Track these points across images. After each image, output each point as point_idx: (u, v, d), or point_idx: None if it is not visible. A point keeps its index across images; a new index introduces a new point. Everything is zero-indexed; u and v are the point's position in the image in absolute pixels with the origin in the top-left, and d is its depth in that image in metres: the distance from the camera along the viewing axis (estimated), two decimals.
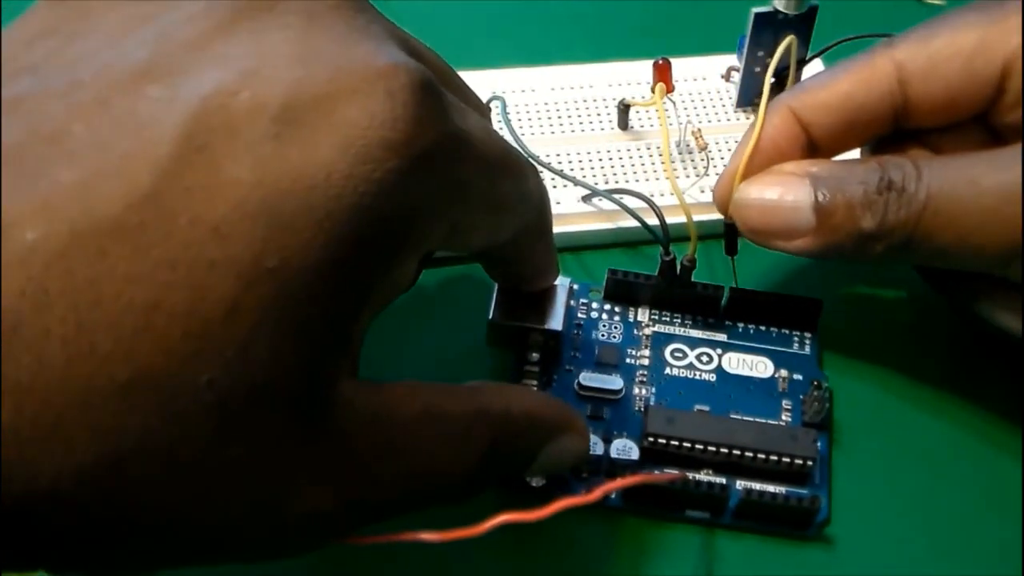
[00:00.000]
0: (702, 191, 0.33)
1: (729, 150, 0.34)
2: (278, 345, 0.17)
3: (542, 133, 0.35)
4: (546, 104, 0.36)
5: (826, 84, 0.27)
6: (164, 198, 0.16)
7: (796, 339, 0.30)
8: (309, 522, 0.19)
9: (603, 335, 0.30)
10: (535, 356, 0.29)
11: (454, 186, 0.20)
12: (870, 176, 0.25)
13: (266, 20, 0.18)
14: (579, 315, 0.31)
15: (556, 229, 0.32)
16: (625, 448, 0.28)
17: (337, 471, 0.19)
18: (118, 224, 0.16)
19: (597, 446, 0.28)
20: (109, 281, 0.16)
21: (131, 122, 0.17)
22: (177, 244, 0.16)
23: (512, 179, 0.22)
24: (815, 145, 0.27)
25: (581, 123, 0.35)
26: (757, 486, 0.27)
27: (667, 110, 0.34)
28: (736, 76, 0.35)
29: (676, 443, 0.27)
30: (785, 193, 0.26)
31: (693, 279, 0.30)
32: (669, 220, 0.29)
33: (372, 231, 0.18)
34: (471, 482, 0.22)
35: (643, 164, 0.34)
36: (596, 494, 0.25)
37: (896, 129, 0.27)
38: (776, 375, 0.29)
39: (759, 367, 0.29)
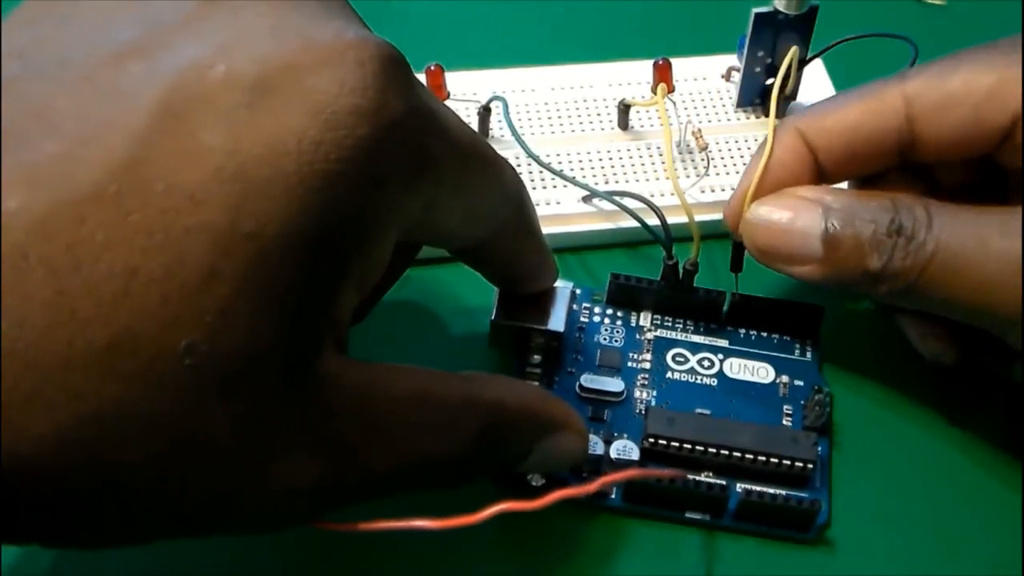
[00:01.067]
0: (702, 191, 0.33)
1: (729, 150, 0.35)
2: (257, 311, 0.17)
3: (542, 133, 0.35)
4: (546, 104, 0.36)
5: (835, 110, 0.27)
6: (141, 166, 0.16)
7: (797, 345, 0.30)
8: (292, 494, 0.19)
9: (605, 339, 0.30)
10: (537, 358, 0.29)
11: (424, 158, 0.20)
12: (881, 216, 0.25)
13: (243, 1, 0.19)
14: (581, 319, 0.31)
15: (556, 229, 0.32)
16: (625, 449, 0.28)
17: (321, 444, 0.19)
18: (97, 191, 0.16)
19: (597, 446, 0.28)
20: (88, 247, 0.16)
21: (112, 95, 0.17)
22: (154, 210, 0.16)
23: (484, 166, 0.23)
24: (822, 170, 0.28)
25: (581, 123, 0.35)
26: (757, 488, 0.27)
27: (667, 110, 0.34)
28: (736, 76, 0.35)
29: (676, 444, 0.27)
30: (796, 218, 0.26)
31: (695, 284, 0.30)
32: (670, 220, 0.29)
33: (344, 197, 0.18)
34: (461, 468, 0.22)
35: (643, 164, 0.34)
36: (594, 486, 0.25)
37: (902, 160, 0.27)
38: (777, 380, 0.30)
39: (760, 372, 0.30)
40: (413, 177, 0.20)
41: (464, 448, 0.22)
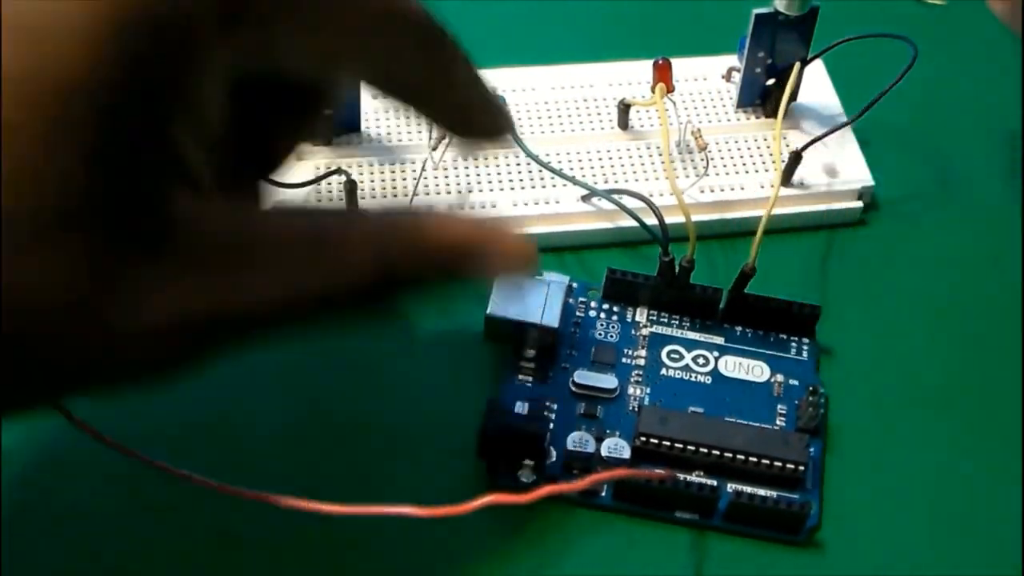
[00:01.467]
0: (701, 191, 0.33)
1: (729, 151, 0.34)
2: (68, 164, 0.17)
3: (542, 133, 0.35)
4: (546, 104, 0.36)
5: None
6: None
7: (793, 344, 0.30)
8: (158, 333, 0.19)
9: (600, 334, 0.30)
10: (531, 352, 0.29)
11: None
12: None
13: None
14: (577, 313, 0.31)
15: (555, 228, 0.32)
16: (617, 447, 0.28)
17: (184, 284, 0.19)
18: None
19: (588, 444, 0.28)
20: None
21: None
22: None
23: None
24: None
25: (581, 123, 0.35)
26: (748, 489, 0.27)
27: (667, 110, 0.34)
28: (737, 76, 0.35)
29: (668, 443, 0.27)
30: None
31: (692, 281, 0.30)
32: (668, 220, 0.29)
33: (135, 39, 0.17)
34: (361, 296, 0.21)
35: (643, 164, 0.34)
36: (583, 483, 0.26)
37: None
38: (772, 379, 0.29)
39: (755, 371, 0.29)
40: (218, 25, 0.19)
41: (357, 279, 0.21)
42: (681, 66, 0.35)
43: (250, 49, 0.20)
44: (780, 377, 0.29)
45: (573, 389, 0.29)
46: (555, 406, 0.29)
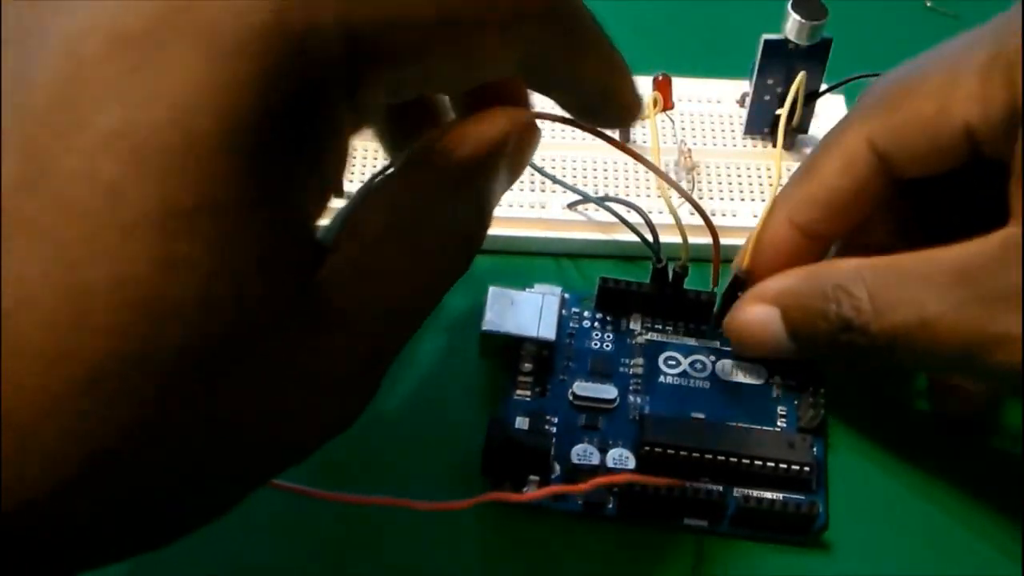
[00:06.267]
0: (691, 214, 0.32)
1: (728, 176, 0.34)
2: (241, 281, 0.16)
3: (542, 136, 0.34)
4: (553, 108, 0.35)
5: (811, 182, 0.28)
6: (40, 179, 0.15)
7: None
8: (334, 383, 0.19)
9: (596, 344, 0.30)
10: (528, 366, 0.29)
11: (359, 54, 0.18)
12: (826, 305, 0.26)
13: None
14: (571, 324, 0.30)
15: (545, 234, 0.32)
16: (622, 458, 0.28)
17: (351, 331, 0.19)
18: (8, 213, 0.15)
19: (593, 455, 0.27)
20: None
21: None
22: (73, 215, 0.15)
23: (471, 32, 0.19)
24: (821, 236, 0.28)
25: (582, 131, 0.34)
26: (755, 493, 0.27)
27: (665, 126, 0.34)
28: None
29: (673, 451, 0.27)
30: (764, 326, 0.27)
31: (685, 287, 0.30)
32: (661, 239, 0.29)
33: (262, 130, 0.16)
34: (471, 253, 0.21)
35: (637, 178, 0.34)
36: (587, 485, 0.26)
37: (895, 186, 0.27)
38: (770, 381, 0.29)
39: (753, 373, 0.29)
40: (345, 81, 0.18)
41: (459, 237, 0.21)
42: (695, 86, 0.35)
43: (400, 85, 0.19)
44: (778, 378, 0.29)
45: (573, 401, 0.29)
46: (556, 419, 0.28)
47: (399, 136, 0.24)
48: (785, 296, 0.27)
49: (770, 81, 0.33)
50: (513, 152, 0.22)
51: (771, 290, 0.27)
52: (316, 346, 0.18)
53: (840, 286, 0.25)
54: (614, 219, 0.31)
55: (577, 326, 0.30)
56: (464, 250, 0.21)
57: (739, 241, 0.30)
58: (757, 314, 0.27)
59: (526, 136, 0.23)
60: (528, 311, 0.29)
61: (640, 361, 0.30)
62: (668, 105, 0.33)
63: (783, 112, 0.32)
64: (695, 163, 0.33)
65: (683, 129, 0.35)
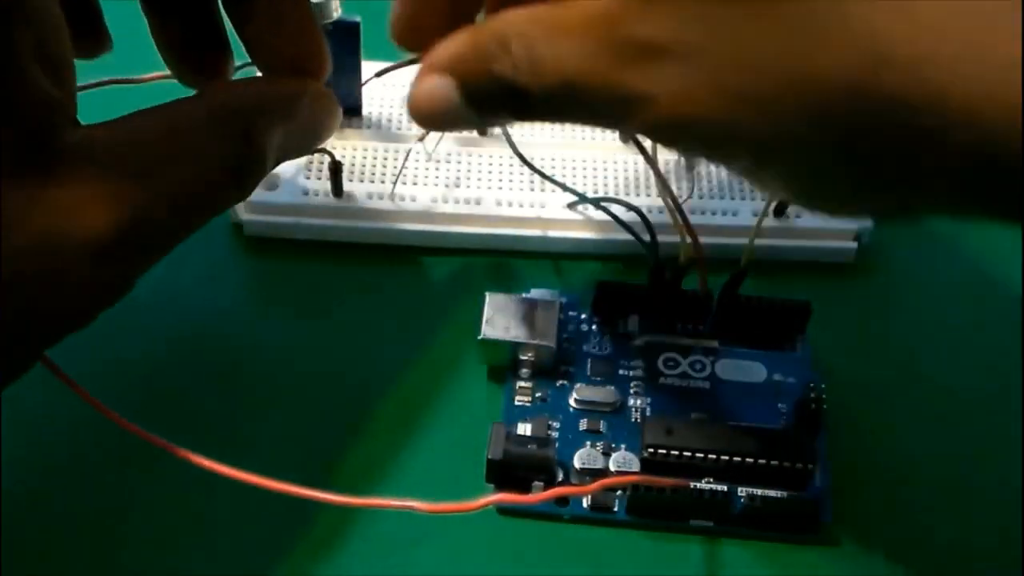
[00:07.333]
0: (692, 213, 0.32)
1: (729, 175, 0.34)
2: None
3: (542, 134, 0.34)
4: None
5: None
6: None
7: (787, 342, 0.30)
8: (94, 245, 0.21)
9: (595, 348, 0.30)
10: (528, 372, 0.29)
11: None
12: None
13: None
14: (570, 328, 0.30)
15: (540, 233, 0.32)
16: (626, 461, 0.27)
17: (95, 195, 0.21)
18: None
19: (597, 460, 0.27)
20: None
21: None
22: None
23: None
24: None
25: (582, 130, 0.35)
26: (759, 491, 0.27)
27: None
28: None
29: (676, 453, 0.27)
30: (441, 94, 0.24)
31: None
32: (659, 239, 0.29)
33: None
34: (232, 178, 0.24)
35: (638, 177, 0.33)
36: (593, 487, 0.26)
37: None
38: (770, 379, 0.29)
39: (752, 372, 0.29)
40: None
41: (225, 156, 0.23)
42: None
43: None
44: (778, 376, 0.29)
45: (574, 405, 0.29)
46: (558, 424, 0.28)
47: (187, 69, 0.27)
48: (455, 61, 0.24)
49: None
50: (303, 116, 0.25)
51: (442, 58, 0.24)
52: (49, 199, 0.20)
53: (501, 43, 0.23)
54: (609, 219, 0.31)
55: (576, 330, 0.30)
56: (231, 175, 0.24)
57: (739, 241, 0.30)
58: (435, 86, 0.24)
59: (314, 105, 0.26)
60: (526, 317, 0.29)
61: (640, 363, 0.30)
62: None
63: None
64: (695, 162, 0.33)
65: None
